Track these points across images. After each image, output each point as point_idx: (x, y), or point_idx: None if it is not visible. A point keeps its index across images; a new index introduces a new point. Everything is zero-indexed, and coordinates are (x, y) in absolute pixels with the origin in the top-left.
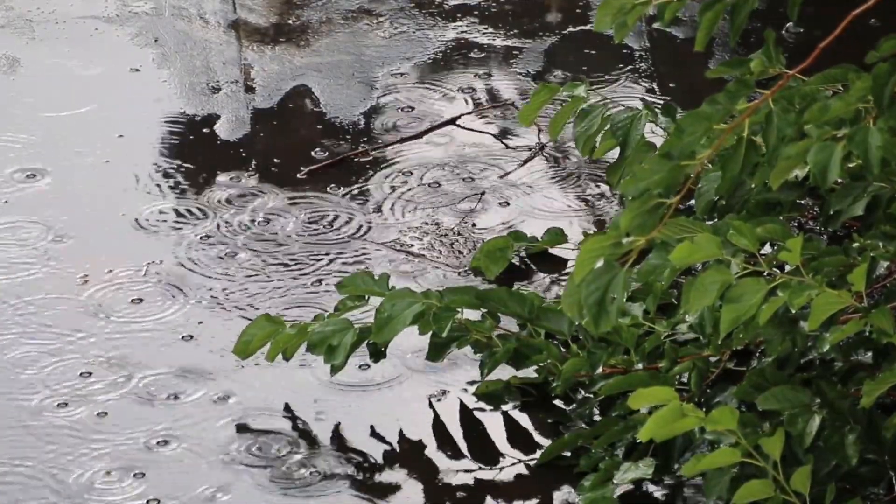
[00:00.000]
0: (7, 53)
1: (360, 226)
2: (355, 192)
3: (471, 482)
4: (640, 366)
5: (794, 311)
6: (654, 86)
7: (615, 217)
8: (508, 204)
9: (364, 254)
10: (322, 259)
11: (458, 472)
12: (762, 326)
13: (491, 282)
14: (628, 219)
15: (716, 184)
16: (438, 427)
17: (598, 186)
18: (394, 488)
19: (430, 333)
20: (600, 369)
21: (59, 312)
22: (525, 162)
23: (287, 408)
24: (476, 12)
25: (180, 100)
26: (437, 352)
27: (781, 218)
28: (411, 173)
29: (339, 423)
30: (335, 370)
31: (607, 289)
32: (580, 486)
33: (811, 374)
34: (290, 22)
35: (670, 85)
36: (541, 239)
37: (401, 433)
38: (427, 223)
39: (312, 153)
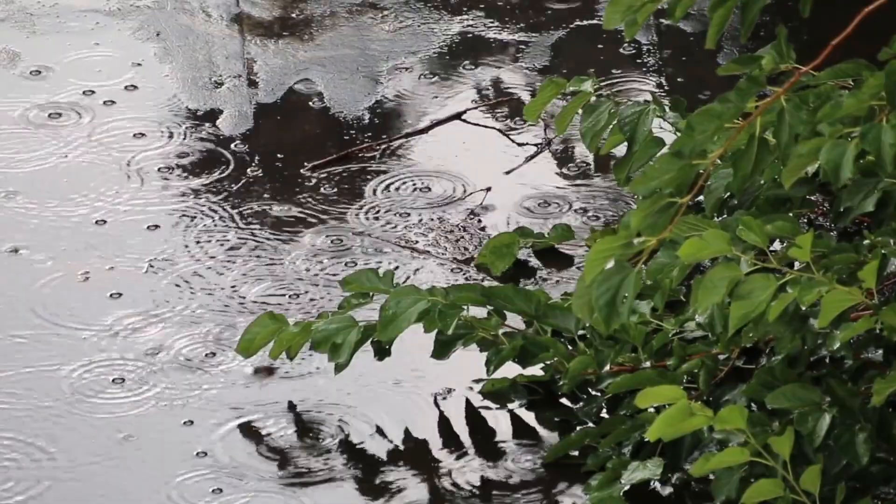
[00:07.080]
0: (7, 47)
1: (364, 222)
2: (359, 187)
3: (476, 481)
4: (647, 364)
5: (804, 309)
6: (663, 80)
7: (625, 216)
8: (514, 199)
9: (368, 250)
10: (324, 257)
11: (464, 470)
12: (771, 324)
13: (497, 278)
14: (639, 218)
15: (725, 181)
16: (444, 425)
17: (605, 182)
18: (399, 487)
19: (435, 331)
20: (608, 367)
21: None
22: (531, 157)
23: (291, 405)
24: (482, 6)
25: (182, 94)
26: (442, 349)
27: (791, 214)
28: (416, 168)
29: (343, 421)
30: (339, 369)
31: (618, 289)
32: (587, 486)
33: (821, 372)
34: (294, 16)
35: (679, 80)
36: (547, 235)
37: (406, 431)
38: (432, 219)
39: (316, 148)
